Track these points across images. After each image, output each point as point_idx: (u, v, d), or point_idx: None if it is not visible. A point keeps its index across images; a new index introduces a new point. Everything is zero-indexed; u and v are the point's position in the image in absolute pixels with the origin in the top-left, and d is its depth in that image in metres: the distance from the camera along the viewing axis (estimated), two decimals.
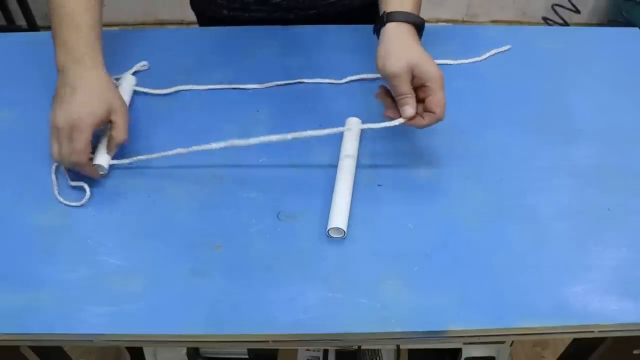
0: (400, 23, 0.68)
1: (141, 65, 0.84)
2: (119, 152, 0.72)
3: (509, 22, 2.36)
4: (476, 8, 2.32)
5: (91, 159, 0.69)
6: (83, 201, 0.68)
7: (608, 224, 0.68)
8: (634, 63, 0.89)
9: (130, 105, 0.80)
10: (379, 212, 0.69)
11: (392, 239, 0.66)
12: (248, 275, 0.62)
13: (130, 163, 0.71)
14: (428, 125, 0.67)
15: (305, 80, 0.83)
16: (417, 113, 0.66)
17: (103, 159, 0.70)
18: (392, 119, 0.68)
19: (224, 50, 0.88)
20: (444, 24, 2.32)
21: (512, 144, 0.77)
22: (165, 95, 0.82)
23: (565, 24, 2.11)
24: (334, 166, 0.72)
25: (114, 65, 0.84)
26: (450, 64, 0.86)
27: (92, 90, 0.68)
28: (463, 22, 2.37)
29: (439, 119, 0.66)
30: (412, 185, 0.72)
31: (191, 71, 0.85)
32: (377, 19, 0.71)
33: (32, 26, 2.07)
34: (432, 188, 0.71)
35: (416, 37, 0.69)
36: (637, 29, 0.96)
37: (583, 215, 0.69)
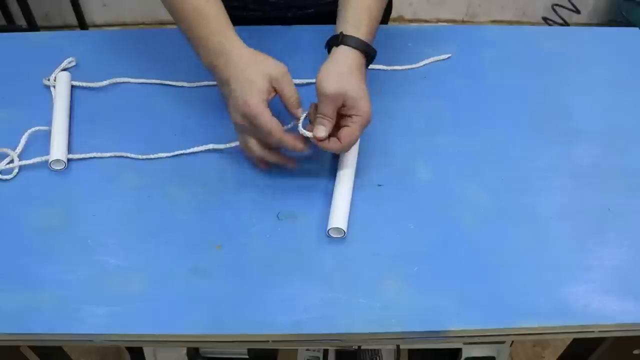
0: (352, 49, 0.68)
1: (68, 61, 0.84)
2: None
3: (509, 22, 2.36)
4: (476, 8, 2.32)
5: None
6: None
7: (608, 224, 0.68)
8: (634, 63, 0.89)
9: (71, 100, 0.79)
10: (379, 212, 0.69)
11: (392, 239, 0.66)
12: (248, 275, 0.62)
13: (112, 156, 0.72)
14: (329, 150, 0.67)
15: (305, 81, 0.83)
16: (328, 137, 0.66)
17: (61, 153, 0.71)
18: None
19: None
20: (444, 24, 2.32)
21: (512, 144, 0.77)
22: (165, 93, 0.82)
23: (565, 24, 2.11)
24: (334, 166, 0.72)
25: (114, 65, 0.85)
26: (385, 70, 0.84)
27: (242, 73, 0.66)
28: (463, 22, 2.37)
29: (342, 150, 0.68)
30: (412, 185, 0.72)
31: (191, 71, 0.85)
32: (332, 36, 0.70)
33: (32, 26, 2.06)
34: (432, 188, 0.71)
35: (362, 66, 0.68)
36: (637, 29, 0.96)
37: (583, 215, 0.69)
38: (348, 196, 0.68)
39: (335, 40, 0.69)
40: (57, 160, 0.71)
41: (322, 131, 0.66)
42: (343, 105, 0.66)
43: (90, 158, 0.73)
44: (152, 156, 0.73)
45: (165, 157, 0.73)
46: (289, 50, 0.88)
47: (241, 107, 0.65)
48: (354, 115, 0.66)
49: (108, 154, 0.73)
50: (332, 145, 0.67)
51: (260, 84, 0.65)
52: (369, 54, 0.69)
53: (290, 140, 0.67)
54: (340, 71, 0.67)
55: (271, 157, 0.69)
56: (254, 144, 0.68)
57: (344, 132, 0.66)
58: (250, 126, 0.66)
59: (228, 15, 0.93)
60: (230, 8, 0.93)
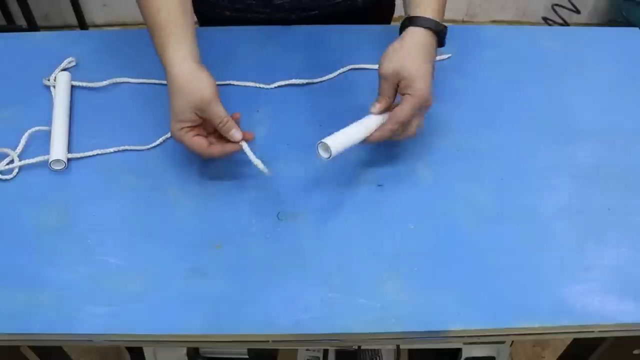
0: (419, 28, 0.68)
1: (68, 61, 0.84)
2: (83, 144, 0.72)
3: (509, 22, 2.36)
4: (476, 8, 2.32)
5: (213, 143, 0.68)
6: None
7: (608, 224, 0.68)
8: (634, 63, 0.89)
9: (71, 100, 0.79)
10: (379, 212, 0.69)
11: (392, 239, 0.66)
12: (248, 275, 0.62)
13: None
14: (383, 135, 0.67)
15: (305, 81, 0.83)
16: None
17: (61, 152, 0.71)
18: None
19: (224, 50, 0.88)
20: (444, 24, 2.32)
21: (512, 144, 0.77)
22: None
23: (565, 24, 2.11)
24: (334, 166, 0.72)
25: (114, 65, 0.85)
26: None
27: (172, 98, 0.65)
28: (463, 22, 2.37)
29: (392, 131, 0.67)
30: (412, 185, 0.72)
31: None
32: (402, 20, 0.71)
33: (32, 26, 2.06)
34: (432, 188, 0.71)
35: (429, 45, 0.68)
36: (637, 29, 0.96)
37: (583, 215, 0.69)
38: (359, 127, 0.67)
39: (403, 24, 0.69)
40: (57, 160, 0.71)
41: (375, 108, 0.68)
42: (400, 85, 0.66)
43: (91, 156, 0.73)
44: (150, 145, 0.74)
45: (161, 141, 0.75)
46: (291, 50, 0.88)
47: (173, 134, 0.67)
48: (407, 94, 0.66)
49: (110, 150, 0.74)
50: (385, 126, 0.67)
51: (182, 116, 0.65)
52: (438, 31, 0.68)
53: (218, 153, 0.67)
54: (399, 50, 0.67)
55: (212, 154, 0.68)
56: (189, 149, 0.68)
57: (395, 110, 0.66)
58: (183, 139, 0.66)
59: (232, 17, 0.93)
60: (234, 10, 0.93)
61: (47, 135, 0.74)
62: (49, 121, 0.76)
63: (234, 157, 0.73)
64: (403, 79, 0.66)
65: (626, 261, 0.65)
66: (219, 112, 0.66)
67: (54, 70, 0.82)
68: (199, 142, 0.66)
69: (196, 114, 0.65)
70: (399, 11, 0.99)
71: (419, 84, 0.65)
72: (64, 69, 0.83)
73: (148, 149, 0.74)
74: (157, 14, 0.67)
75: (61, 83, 0.80)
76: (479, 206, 0.69)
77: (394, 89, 0.67)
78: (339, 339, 0.60)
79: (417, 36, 0.67)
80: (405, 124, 0.67)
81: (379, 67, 0.67)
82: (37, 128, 0.75)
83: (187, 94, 0.65)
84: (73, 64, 0.85)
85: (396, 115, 0.66)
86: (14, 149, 0.72)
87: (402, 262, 0.64)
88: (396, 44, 0.68)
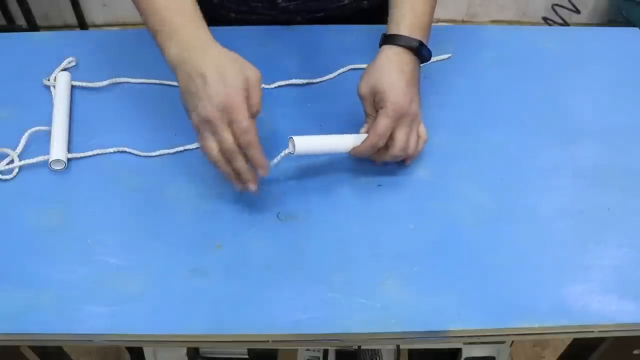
0: (391, 46, 0.68)
1: (68, 61, 0.84)
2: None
3: (509, 22, 2.36)
4: (476, 8, 2.32)
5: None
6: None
7: (608, 224, 0.68)
8: (634, 63, 0.89)
9: (71, 100, 0.79)
10: (379, 212, 0.69)
11: (392, 239, 0.66)
12: (248, 275, 0.62)
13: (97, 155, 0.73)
14: (365, 150, 0.67)
15: (305, 81, 0.83)
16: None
17: (61, 152, 0.71)
18: None
19: None
20: (444, 24, 2.32)
21: (512, 144, 0.77)
22: (163, 92, 0.82)
23: (565, 24, 2.11)
24: (334, 167, 0.72)
25: (114, 65, 0.85)
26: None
27: (222, 67, 0.61)
28: (463, 22, 2.37)
29: (373, 144, 0.66)
30: (412, 185, 0.72)
31: None
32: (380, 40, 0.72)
33: (32, 26, 2.06)
34: (432, 188, 0.71)
35: (401, 61, 0.68)
36: (637, 29, 0.96)
37: (583, 215, 0.69)
38: (332, 139, 0.68)
39: (380, 42, 0.70)
40: (57, 160, 0.71)
41: (362, 129, 0.70)
42: (375, 101, 0.68)
43: (91, 156, 0.73)
44: (153, 154, 0.73)
45: (165, 154, 0.73)
46: (292, 50, 0.88)
47: (221, 98, 0.59)
48: (381, 107, 0.66)
49: (110, 150, 0.73)
50: (366, 140, 0.67)
51: (240, 83, 0.61)
52: (411, 47, 0.68)
53: (258, 149, 0.62)
54: (373, 69, 0.68)
55: (227, 168, 0.63)
56: (214, 146, 0.62)
57: (373, 125, 0.67)
58: (222, 121, 0.60)
59: (237, 19, 0.94)
60: (239, 12, 0.93)
61: (47, 135, 0.74)
62: (48, 121, 0.76)
63: None
64: (377, 94, 0.67)
65: (626, 261, 0.65)
66: (260, 92, 0.63)
67: (53, 70, 0.82)
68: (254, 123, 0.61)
69: (245, 87, 0.61)
70: None
71: (392, 96, 0.65)
72: (64, 69, 0.83)
73: (146, 156, 0.74)
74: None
75: (61, 83, 0.80)
76: (479, 206, 0.69)
77: (372, 107, 0.68)
78: (339, 339, 0.60)
79: (390, 53, 0.68)
80: (383, 137, 0.66)
81: (357, 89, 0.69)
82: (37, 128, 0.75)
83: (240, 64, 0.62)
84: (73, 64, 0.85)
85: (373, 129, 0.66)
86: (14, 148, 0.72)
87: (402, 262, 0.64)
88: (370, 64, 0.69)
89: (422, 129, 0.70)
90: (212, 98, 0.60)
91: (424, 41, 0.69)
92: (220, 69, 0.61)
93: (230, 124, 0.61)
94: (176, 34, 0.64)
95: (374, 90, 0.67)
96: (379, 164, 0.72)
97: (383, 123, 0.66)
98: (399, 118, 0.66)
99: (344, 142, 0.69)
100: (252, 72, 0.63)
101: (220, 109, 0.60)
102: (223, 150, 0.62)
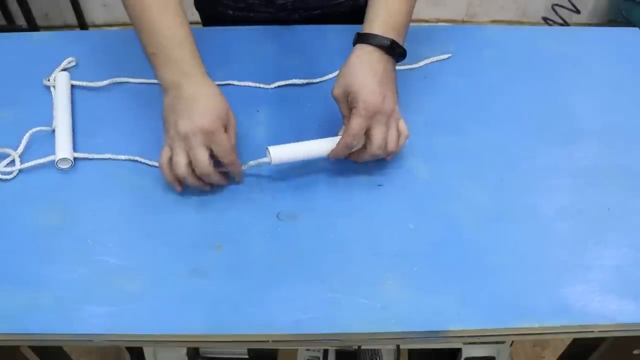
0: (363, 45, 0.68)
1: (68, 61, 0.84)
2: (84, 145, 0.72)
3: (509, 22, 2.36)
4: (476, 8, 2.32)
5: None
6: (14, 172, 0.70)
7: (608, 223, 0.68)
8: (634, 63, 0.89)
9: (72, 101, 0.80)
10: (379, 212, 0.69)
11: (392, 239, 0.66)
12: (248, 275, 0.62)
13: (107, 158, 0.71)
14: (340, 151, 0.68)
15: (305, 81, 0.83)
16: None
17: (67, 151, 0.71)
18: None
19: (224, 50, 0.88)
20: (444, 24, 2.32)
21: (512, 144, 0.77)
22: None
23: (565, 24, 2.11)
24: (334, 167, 0.72)
25: (114, 65, 0.85)
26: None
27: (212, 99, 0.66)
28: (463, 22, 2.37)
29: (347, 144, 0.67)
30: (412, 185, 0.72)
31: None
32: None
33: (32, 26, 2.06)
34: (432, 188, 0.71)
35: (373, 59, 0.68)
36: (637, 29, 0.96)
37: (583, 215, 0.69)
38: (307, 145, 0.69)
39: (353, 41, 0.70)
40: (64, 159, 0.71)
41: (340, 130, 0.70)
42: (349, 102, 0.68)
43: (96, 159, 0.73)
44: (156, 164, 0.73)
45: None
46: (291, 50, 0.88)
47: (206, 121, 0.64)
48: (353, 107, 0.66)
49: (122, 157, 0.73)
50: (340, 141, 0.67)
51: (224, 115, 0.66)
52: (382, 46, 0.68)
53: (239, 167, 0.68)
54: (344, 70, 0.68)
55: (194, 180, 0.67)
56: (183, 162, 0.65)
57: (347, 125, 0.67)
58: (200, 141, 0.64)
59: (235, 16, 0.94)
60: (237, 9, 0.93)
61: (48, 135, 0.74)
62: (49, 121, 0.76)
63: None
64: (349, 94, 0.67)
65: (626, 261, 0.65)
66: (235, 133, 0.69)
67: (53, 71, 0.82)
68: (228, 140, 0.66)
69: (224, 125, 0.66)
70: None
71: (364, 95, 0.65)
72: (64, 69, 0.83)
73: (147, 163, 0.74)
74: (178, 27, 0.68)
75: (61, 83, 0.80)
76: (479, 206, 0.69)
77: (349, 108, 0.68)
78: (339, 339, 0.60)
79: (360, 53, 0.68)
80: (357, 136, 0.66)
81: (330, 92, 0.69)
82: (38, 128, 0.75)
83: (224, 101, 0.67)
84: (73, 64, 0.85)
85: (347, 129, 0.67)
86: (15, 149, 0.72)
87: (402, 262, 0.64)
88: (343, 66, 0.69)
89: (402, 125, 0.70)
90: (197, 119, 0.64)
91: (399, 40, 0.69)
92: (210, 98, 0.66)
93: (210, 145, 0.65)
94: (173, 63, 0.67)
95: (346, 91, 0.67)
96: (378, 162, 0.72)
97: (356, 122, 0.66)
98: (372, 116, 0.66)
99: (321, 147, 0.70)
100: (232, 115, 0.69)
101: (202, 130, 0.64)
102: (198, 167, 0.65)
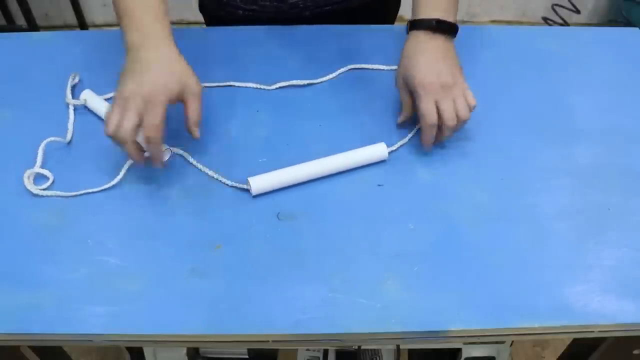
0: (415, 32, 0.72)
1: (73, 77, 0.82)
2: None
3: (509, 22, 2.36)
4: (476, 8, 2.32)
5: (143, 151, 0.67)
6: (46, 186, 0.69)
7: (608, 224, 0.68)
8: (634, 63, 0.89)
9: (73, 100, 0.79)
10: (379, 212, 0.69)
11: (392, 239, 0.66)
12: (248, 276, 0.62)
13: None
14: (428, 140, 0.72)
15: (306, 81, 0.83)
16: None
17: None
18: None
19: (225, 51, 0.88)
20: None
21: (512, 144, 0.77)
22: None
23: (565, 24, 2.11)
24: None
25: (115, 65, 0.85)
26: (385, 70, 0.80)
27: (166, 65, 0.65)
28: (463, 22, 2.36)
29: (430, 134, 0.71)
30: (411, 185, 0.72)
31: None
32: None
33: (32, 26, 2.06)
34: (431, 188, 0.71)
35: (428, 43, 0.71)
36: (637, 29, 0.96)
37: (583, 215, 0.69)
38: (289, 172, 0.70)
39: (407, 29, 0.74)
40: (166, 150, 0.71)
41: (400, 118, 0.76)
42: (411, 90, 0.72)
43: (91, 156, 0.73)
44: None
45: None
46: (292, 50, 0.88)
47: (149, 89, 0.63)
48: (414, 92, 0.70)
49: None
50: (423, 135, 0.72)
51: (175, 87, 0.65)
52: (437, 29, 0.71)
53: (159, 147, 0.66)
54: (402, 60, 0.73)
55: (125, 138, 0.64)
56: (114, 122, 0.63)
57: (419, 116, 0.71)
58: (136, 105, 0.63)
59: (245, 16, 0.93)
60: (247, 10, 0.92)
61: (61, 145, 0.74)
62: (49, 121, 0.76)
63: (234, 158, 0.73)
64: (407, 82, 0.71)
65: (626, 261, 0.65)
66: (200, 105, 0.67)
67: (66, 91, 0.80)
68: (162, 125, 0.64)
69: (181, 93, 0.66)
70: (404, 6, 1.00)
71: (418, 78, 0.70)
72: (73, 85, 0.82)
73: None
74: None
75: (92, 98, 0.79)
76: (479, 206, 0.69)
77: (410, 96, 0.73)
78: (339, 339, 0.60)
79: (409, 40, 0.73)
80: (432, 119, 0.70)
81: (394, 83, 0.75)
82: (52, 139, 0.73)
83: (185, 70, 0.67)
84: (77, 80, 0.83)
85: (422, 120, 0.70)
86: (15, 148, 0.72)
87: (402, 262, 0.64)
88: (402, 57, 0.73)
89: (468, 95, 0.72)
90: (142, 84, 0.63)
91: (447, 17, 0.71)
92: (165, 65, 0.65)
93: (144, 114, 0.63)
94: (136, 25, 0.67)
95: (406, 80, 0.72)
96: (379, 162, 0.73)
97: (422, 106, 0.70)
98: (434, 94, 0.69)
99: (303, 171, 0.70)
100: (194, 83, 0.67)
101: (140, 95, 0.63)
102: (120, 130, 0.63)
